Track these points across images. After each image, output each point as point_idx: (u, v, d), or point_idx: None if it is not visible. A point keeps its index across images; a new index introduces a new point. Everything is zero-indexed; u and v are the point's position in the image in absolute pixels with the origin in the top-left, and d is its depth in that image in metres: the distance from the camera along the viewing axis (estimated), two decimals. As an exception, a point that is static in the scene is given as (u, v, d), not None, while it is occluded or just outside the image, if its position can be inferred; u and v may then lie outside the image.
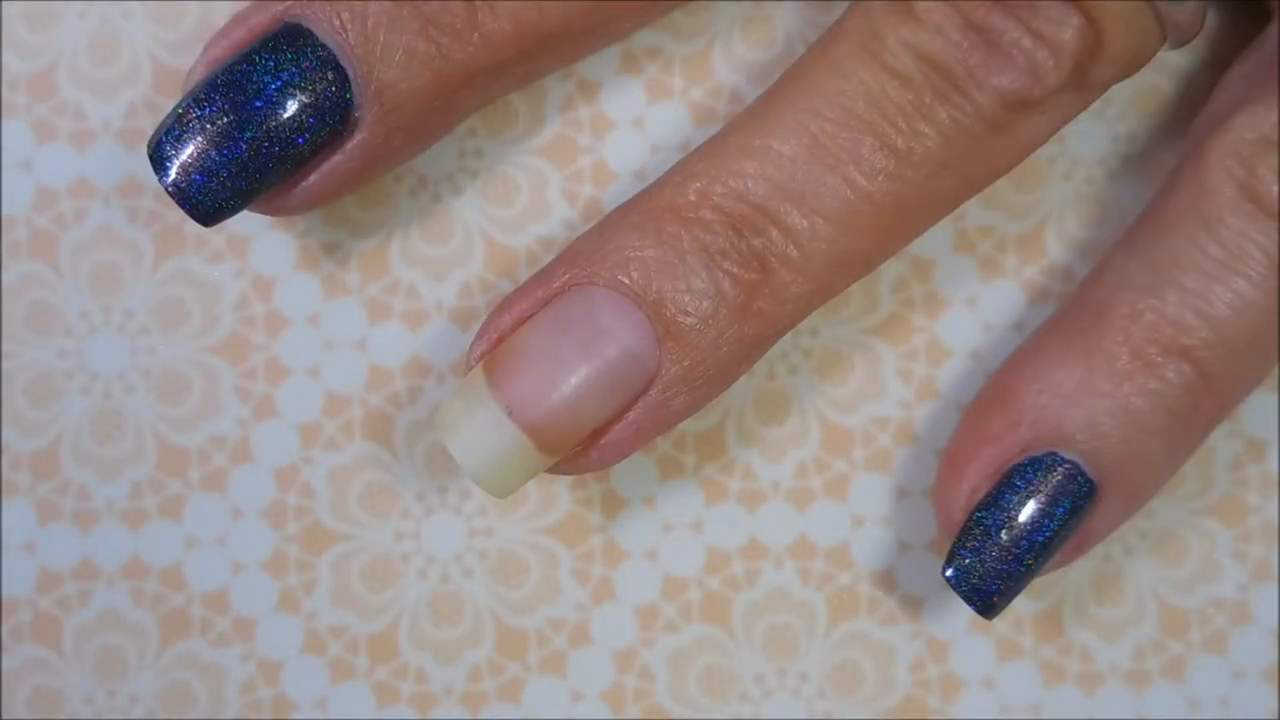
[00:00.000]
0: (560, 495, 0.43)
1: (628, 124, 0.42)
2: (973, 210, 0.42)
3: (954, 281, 0.43)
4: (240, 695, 0.43)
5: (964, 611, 0.42)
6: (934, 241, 0.42)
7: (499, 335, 0.37)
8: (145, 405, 0.42)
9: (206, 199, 0.36)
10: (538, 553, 0.43)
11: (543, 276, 0.37)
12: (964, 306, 0.43)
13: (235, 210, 0.37)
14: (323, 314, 0.42)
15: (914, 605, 0.43)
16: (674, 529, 0.43)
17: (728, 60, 0.42)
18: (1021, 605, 0.43)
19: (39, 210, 0.42)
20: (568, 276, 0.37)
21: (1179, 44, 0.37)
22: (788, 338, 0.42)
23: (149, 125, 0.42)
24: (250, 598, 0.43)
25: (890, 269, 0.42)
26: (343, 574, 0.43)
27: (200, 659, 0.43)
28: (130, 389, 0.42)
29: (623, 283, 0.36)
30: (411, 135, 0.38)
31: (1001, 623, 0.43)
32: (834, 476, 0.43)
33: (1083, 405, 0.37)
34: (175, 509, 0.42)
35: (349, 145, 0.37)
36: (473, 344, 0.37)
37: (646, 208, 0.37)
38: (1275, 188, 0.36)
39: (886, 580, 0.43)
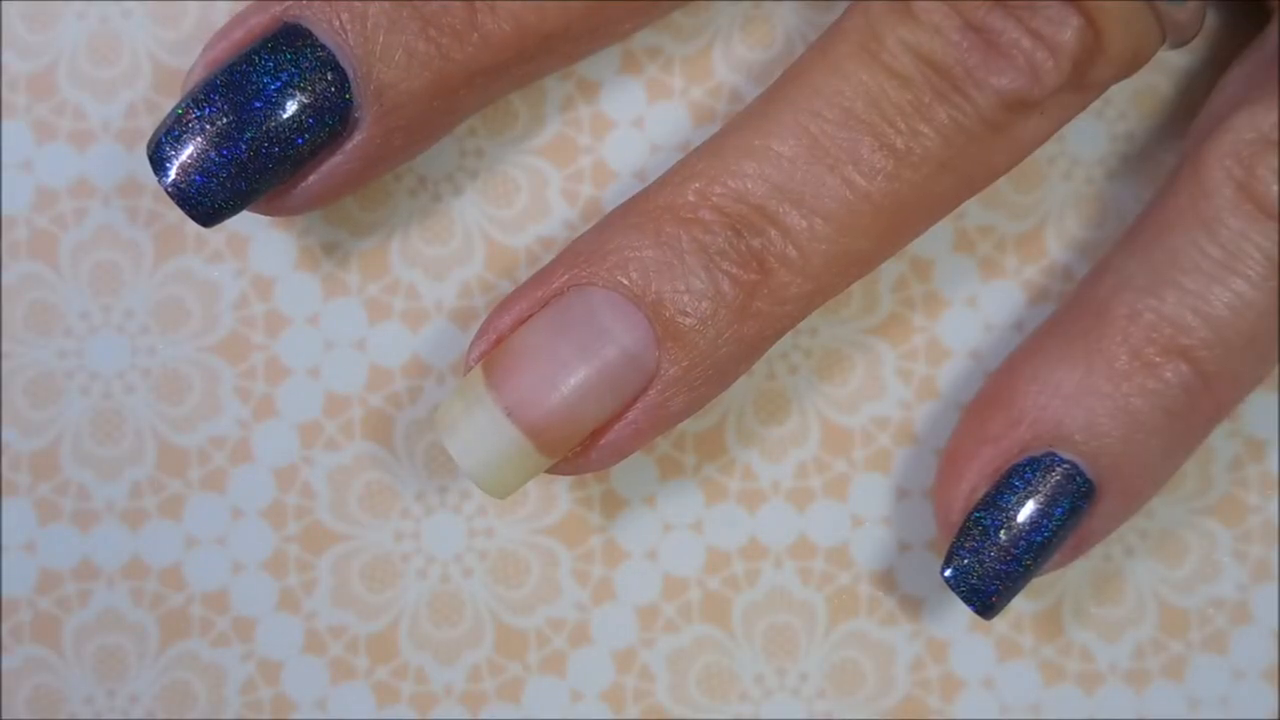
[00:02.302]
0: (560, 495, 0.43)
1: (628, 124, 0.42)
2: (973, 210, 0.42)
3: (954, 281, 0.43)
4: (240, 695, 0.43)
5: (964, 611, 0.42)
6: (934, 241, 0.42)
7: (498, 336, 0.37)
8: (145, 405, 0.42)
9: (206, 199, 0.36)
10: (538, 553, 0.43)
11: (542, 277, 0.37)
12: (964, 306, 0.43)
13: (235, 211, 0.37)
14: (323, 314, 0.42)
15: (914, 605, 0.43)
16: (674, 529, 0.43)
17: (728, 60, 0.42)
18: (1021, 605, 0.43)
19: (39, 210, 0.42)
20: (567, 277, 0.37)
21: (1179, 44, 0.37)
22: (787, 337, 0.42)
23: (149, 125, 0.42)
24: (250, 598, 0.43)
25: (890, 269, 0.42)
26: (343, 574, 0.43)
27: (200, 659, 0.43)
28: (130, 389, 0.42)
29: (622, 283, 0.36)
30: (411, 135, 0.38)
31: (1001, 623, 0.43)
32: (834, 476, 0.43)
33: (1082, 406, 0.37)
34: (175, 509, 0.42)
35: (348, 145, 0.37)
36: (472, 344, 0.37)
37: (645, 208, 0.37)
38: (1274, 188, 0.36)
39: (886, 580, 0.43)
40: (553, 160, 0.42)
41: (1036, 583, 0.42)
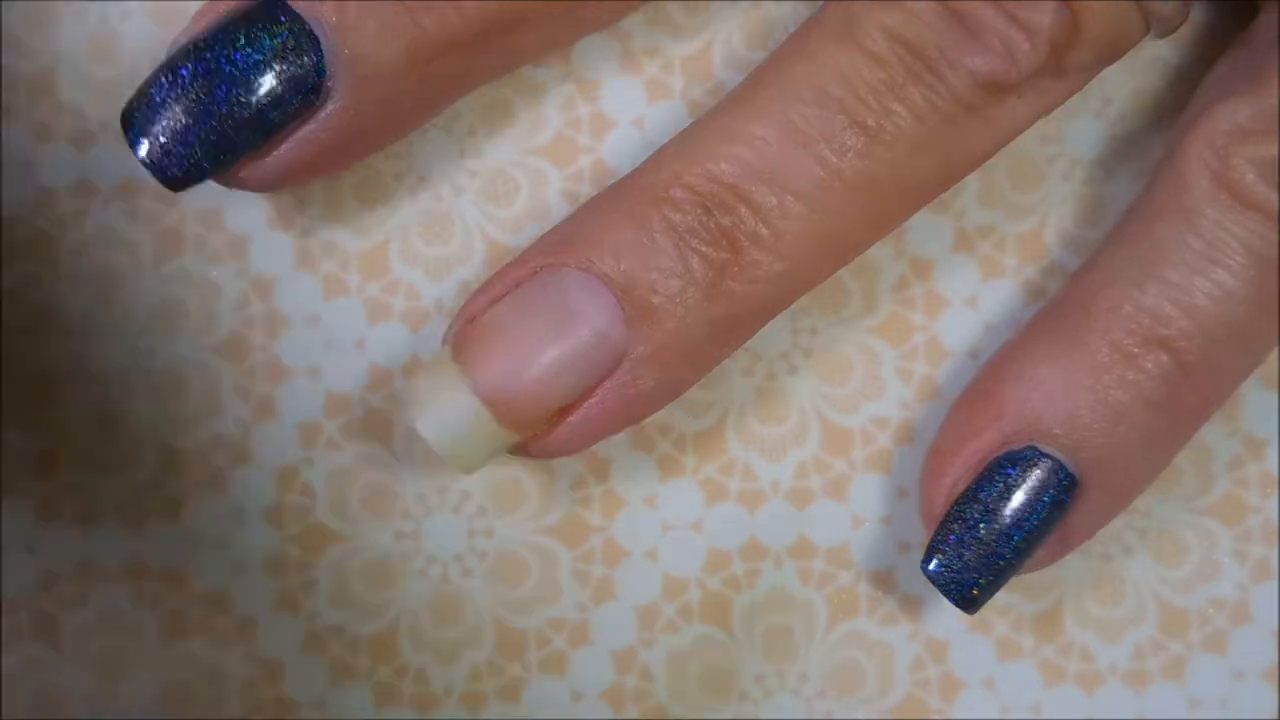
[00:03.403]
0: (560, 495, 0.43)
1: (628, 124, 0.42)
2: (973, 210, 0.42)
3: (954, 281, 0.42)
4: (240, 695, 0.43)
5: (964, 611, 0.42)
6: (934, 241, 0.42)
7: (471, 317, 0.37)
8: (146, 405, 0.42)
9: (176, 165, 0.36)
10: (538, 553, 0.43)
11: (518, 262, 0.37)
12: (964, 306, 0.42)
13: (204, 177, 0.37)
14: (323, 314, 0.42)
15: (914, 605, 0.43)
16: (674, 529, 0.43)
17: (727, 60, 0.42)
18: (1021, 605, 0.42)
19: (39, 210, 0.42)
20: (541, 260, 0.37)
21: (1164, 34, 0.37)
22: (787, 337, 0.42)
23: (148, 125, 0.42)
24: (250, 598, 0.43)
25: (890, 269, 0.42)
26: (343, 574, 0.43)
27: (200, 659, 0.43)
28: (130, 389, 0.42)
29: (593, 264, 0.36)
30: (387, 109, 0.37)
31: (1001, 623, 0.42)
32: (834, 476, 0.43)
33: (1063, 399, 0.37)
34: (175, 509, 0.42)
35: (321, 114, 0.37)
36: (448, 327, 0.37)
37: (621, 191, 0.37)
38: (1250, 177, 0.36)
39: (886, 580, 0.43)
40: (553, 160, 0.43)
41: (1036, 582, 0.42)
